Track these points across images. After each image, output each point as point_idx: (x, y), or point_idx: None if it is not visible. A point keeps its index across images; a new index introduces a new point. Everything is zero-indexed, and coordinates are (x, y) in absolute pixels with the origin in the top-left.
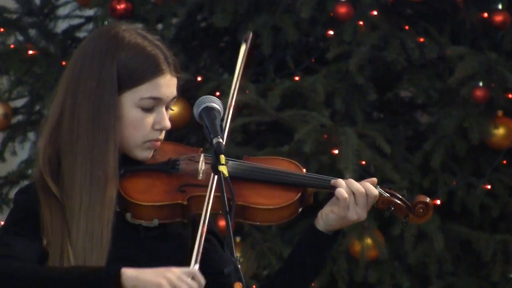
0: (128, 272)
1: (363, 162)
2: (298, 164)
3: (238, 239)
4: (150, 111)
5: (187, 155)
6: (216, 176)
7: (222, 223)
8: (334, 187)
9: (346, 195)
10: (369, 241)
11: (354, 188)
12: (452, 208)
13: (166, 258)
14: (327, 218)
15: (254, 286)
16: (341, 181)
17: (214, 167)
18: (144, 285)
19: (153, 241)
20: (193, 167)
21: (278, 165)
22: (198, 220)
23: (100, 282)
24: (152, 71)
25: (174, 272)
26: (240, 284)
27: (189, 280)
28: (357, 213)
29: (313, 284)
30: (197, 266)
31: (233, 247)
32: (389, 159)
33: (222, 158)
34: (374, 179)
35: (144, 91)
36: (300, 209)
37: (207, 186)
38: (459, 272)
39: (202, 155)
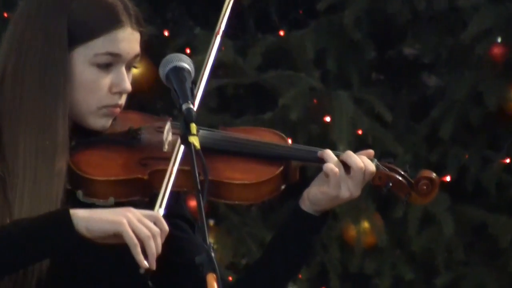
0: (79, 214)
1: (360, 132)
2: (282, 135)
3: (211, 222)
4: (107, 70)
5: (151, 125)
6: (182, 146)
7: (193, 203)
8: (322, 161)
9: (336, 169)
10: (366, 225)
11: (352, 161)
12: (464, 186)
13: (121, 254)
14: (314, 197)
15: (230, 278)
16: (330, 153)
17: (183, 138)
18: (100, 225)
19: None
20: (157, 138)
21: (259, 136)
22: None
23: (54, 233)
24: (108, 23)
25: (134, 213)
26: (214, 275)
27: (151, 224)
28: (350, 191)
29: (300, 276)
30: (162, 211)
31: (206, 231)
32: (390, 128)
33: (193, 127)
34: (371, 151)
35: (99, 45)
36: (282, 186)
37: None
38: (471, 261)
39: (169, 123)
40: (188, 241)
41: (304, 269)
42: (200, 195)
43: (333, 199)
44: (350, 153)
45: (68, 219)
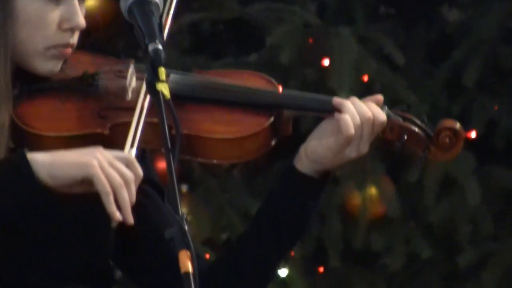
0: (39, 158)
1: (365, 78)
2: (271, 79)
3: (184, 188)
4: (56, 2)
5: (110, 68)
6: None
7: (162, 164)
8: (330, 110)
9: (352, 130)
10: (373, 191)
11: (359, 111)
12: (493, 143)
13: (82, 218)
14: (314, 153)
15: (207, 256)
16: (346, 103)
17: (150, 86)
18: (66, 169)
19: (63, 200)
20: (118, 85)
21: (242, 81)
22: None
23: (9, 183)
24: None
25: (104, 154)
26: (187, 252)
27: (124, 168)
28: (358, 149)
29: (293, 253)
30: (134, 152)
31: (178, 199)
32: (402, 73)
33: (162, 72)
34: (380, 97)
35: None
36: (272, 142)
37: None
38: (501, 235)
39: (132, 66)
40: (155, 211)
41: (297, 244)
42: (171, 154)
43: (337, 155)
44: (355, 100)
45: (26, 165)
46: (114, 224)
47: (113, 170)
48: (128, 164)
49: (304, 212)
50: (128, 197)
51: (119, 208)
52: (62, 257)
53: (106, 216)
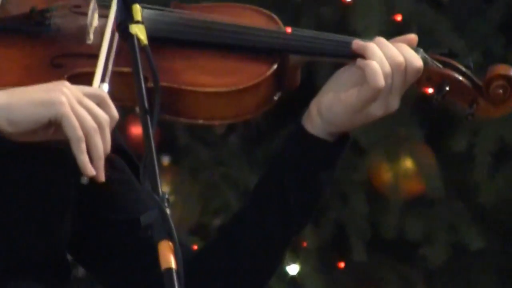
0: None
1: (398, 18)
2: (273, 15)
3: (166, 160)
4: None
5: (65, 3)
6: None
7: (136, 130)
8: (350, 55)
9: (382, 81)
10: (408, 164)
11: (388, 55)
12: None
13: (38, 180)
14: (330, 110)
15: (195, 247)
16: (371, 46)
17: (121, 28)
18: (29, 110)
19: (7, 160)
20: (76, 24)
21: (236, 18)
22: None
23: None
24: None
25: (72, 90)
26: (169, 243)
27: (96, 108)
28: (386, 105)
29: (305, 244)
30: (106, 87)
31: (157, 174)
32: (446, 12)
33: (137, 10)
34: (413, 37)
35: None
36: (276, 96)
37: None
38: None
39: (93, 1)
40: (127, 190)
41: (311, 232)
42: (148, 114)
43: (359, 113)
44: (381, 41)
45: None
46: (84, 181)
47: (83, 110)
48: (100, 102)
49: (315, 184)
50: (102, 146)
51: (90, 160)
52: (7, 238)
53: (67, 179)
